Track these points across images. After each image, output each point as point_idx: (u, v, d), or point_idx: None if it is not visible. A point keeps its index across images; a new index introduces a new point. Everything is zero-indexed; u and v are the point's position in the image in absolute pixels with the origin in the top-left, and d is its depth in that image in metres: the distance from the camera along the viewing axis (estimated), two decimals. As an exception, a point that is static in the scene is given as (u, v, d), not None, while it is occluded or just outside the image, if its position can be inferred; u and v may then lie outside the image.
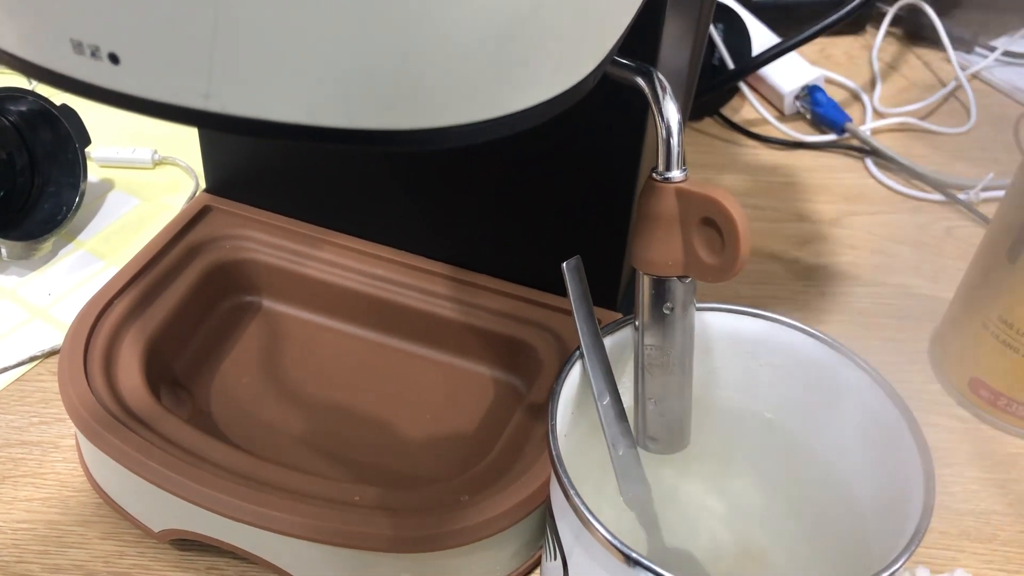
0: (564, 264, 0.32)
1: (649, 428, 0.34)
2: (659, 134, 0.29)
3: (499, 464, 0.37)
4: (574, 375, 0.33)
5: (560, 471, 0.29)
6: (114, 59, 0.23)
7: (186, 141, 0.61)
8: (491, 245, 0.45)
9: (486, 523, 0.35)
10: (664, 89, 0.29)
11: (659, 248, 0.30)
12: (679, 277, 0.30)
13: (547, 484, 0.35)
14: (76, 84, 0.24)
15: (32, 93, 0.52)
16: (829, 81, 0.72)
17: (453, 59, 0.21)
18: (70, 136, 0.53)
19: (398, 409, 0.43)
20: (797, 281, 0.54)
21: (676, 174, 0.29)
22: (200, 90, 0.22)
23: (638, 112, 0.38)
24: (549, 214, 0.43)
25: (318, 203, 0.47)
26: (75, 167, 0.54)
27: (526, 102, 0.23)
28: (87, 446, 0.39)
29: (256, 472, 0.36)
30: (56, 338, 0.48)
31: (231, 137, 0.47)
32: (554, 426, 0.30)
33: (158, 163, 0.61)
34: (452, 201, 0.45)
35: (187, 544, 0.39)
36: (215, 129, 0.23)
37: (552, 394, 0.31)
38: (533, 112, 0.23)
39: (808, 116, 0.68)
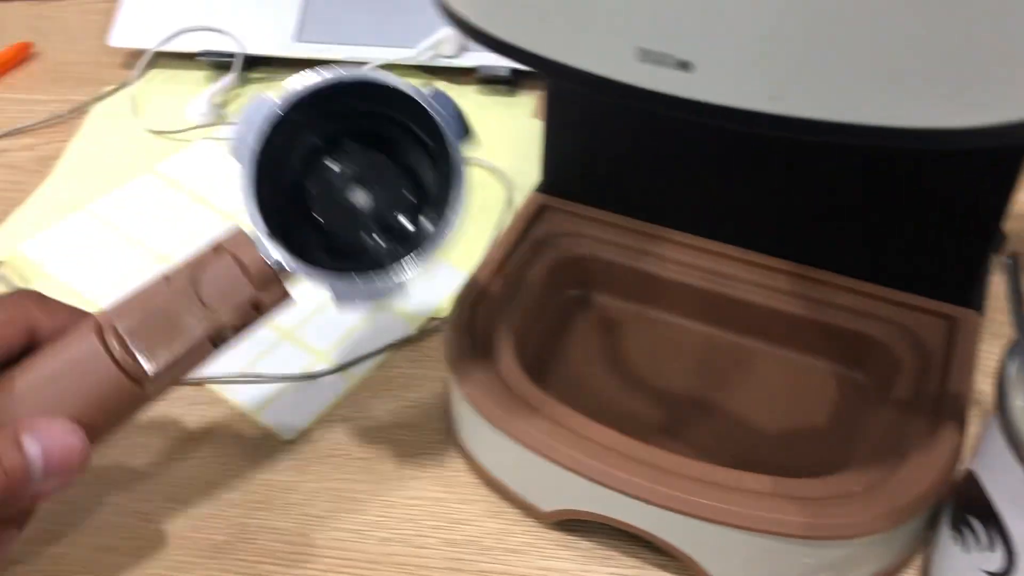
0: (1004, 259, 0.32)
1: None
2: None
3: (878, 460, 0.38)
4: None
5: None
6: (684, 66, 0.24)
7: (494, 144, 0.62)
8: (836, 243, 0.45)
9: (890, 513, 0.36)
10: None
11: None
12: None
13: (941, 479, 0.36)
14: (637, 93, 0.26)
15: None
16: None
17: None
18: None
19: (746, 401, 0.45)
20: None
21: None
22: (767, 92, 0.24)
23: None
24: (907, 219, 0.43)
25: (653, 201, 0.49)
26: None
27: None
28: (473, 429, 0.42)
29: (650, 456, 0.38)
30: (404, 328, 0.51)
31: (572, 139, 0.49)
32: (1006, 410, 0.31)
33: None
34: (797, 200, 0.45)
35: (569, 525, 0.41)
36: (775, 132, 0.24)
37: (1000, 384, 0.32)
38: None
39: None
